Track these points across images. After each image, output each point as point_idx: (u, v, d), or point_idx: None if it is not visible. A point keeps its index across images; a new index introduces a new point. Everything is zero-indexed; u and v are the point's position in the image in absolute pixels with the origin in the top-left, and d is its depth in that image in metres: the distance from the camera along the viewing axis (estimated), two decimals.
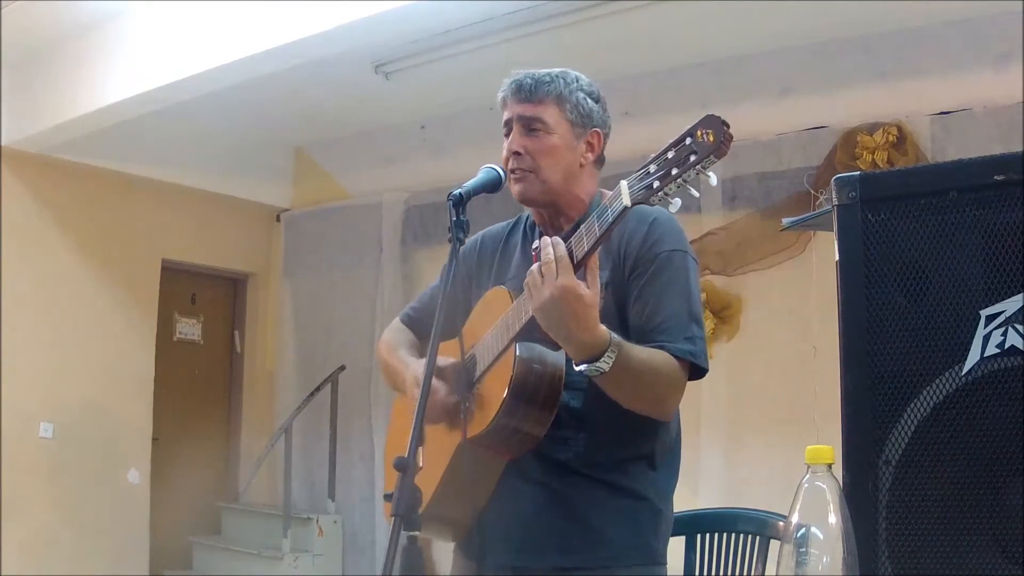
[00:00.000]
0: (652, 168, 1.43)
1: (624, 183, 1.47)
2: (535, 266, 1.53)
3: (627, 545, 1.70)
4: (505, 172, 1.77)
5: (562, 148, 1.76)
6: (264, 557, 5.73)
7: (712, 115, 1.38)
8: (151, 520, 5.91)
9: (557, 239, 1.54)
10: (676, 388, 1.64)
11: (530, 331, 1.62)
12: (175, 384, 6.30)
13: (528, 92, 1.76)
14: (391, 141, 6.04)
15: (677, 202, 1.43)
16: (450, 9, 4.05)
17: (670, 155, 1.41)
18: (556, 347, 1.64)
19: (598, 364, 1.52)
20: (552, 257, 1.51)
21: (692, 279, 1.72)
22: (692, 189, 1.42)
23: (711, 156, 1.36)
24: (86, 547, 5.55)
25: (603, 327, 1.53)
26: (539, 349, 1.63)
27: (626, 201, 1.45)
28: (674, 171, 1.40)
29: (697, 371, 1.65)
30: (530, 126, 1.75)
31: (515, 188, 1.77)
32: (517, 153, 1.76)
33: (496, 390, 1.62)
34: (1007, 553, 1.17)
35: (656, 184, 1.42)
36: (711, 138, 1.36)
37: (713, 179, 1.39)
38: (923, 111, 4.29)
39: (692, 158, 1.38)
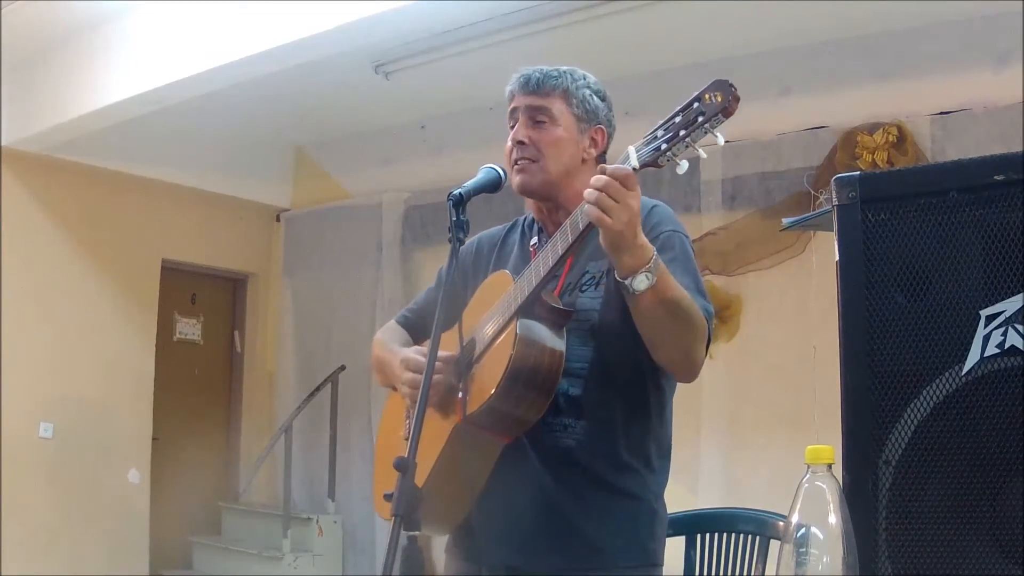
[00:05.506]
0: (660, 132, 1.44)
1: (631, 147, 1.48)
2: (589, 194, 1.47)
3: (624, 548, 1.70)
4: (506, 172, 1.77)
5: (565, 140, 1.77)
6: (264, 557, 5.73)
7: (720, 79, 1.40)
8: (151, 520, 5.91)
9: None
10: (703, 338, 1.62)
11: (530, 309, 1.63)
12: (175, 384, 6.29)
13: (536, 84, 1.78)
14: (391, 141, 6.03)
15: (684, 164, 1.44)
16: (450, 9, 4.05)
17: (678, 119, 1.42)
18: (558, 329, 1.65)
19: (648, 269, 1.48)
20: (617, 174, 1.45)
21: (694, 260, 1.74)
22: (700, 150, 1.43)
23: (719, 115, 1.39)
24: (86, 547, 5.55)
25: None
26: (540, 328, 1.63)
27: (634, 163, 1.46)
28: (682, 132, 1.41)
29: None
30: (535, 117, 1.77)
31: (516, 179, 1.77)
32: (521, 143, 1.76)
33: (495, 368, 1.61)
34: (1007, 553, 1.17)
35: (664, 146, 1.43)
36: (719, 98, 1.39)
37: (720, 139, 1.41)
38: (923, 111, 4.29)
39: (700, 119, 1.40)
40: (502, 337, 1.64)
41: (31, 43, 4.91)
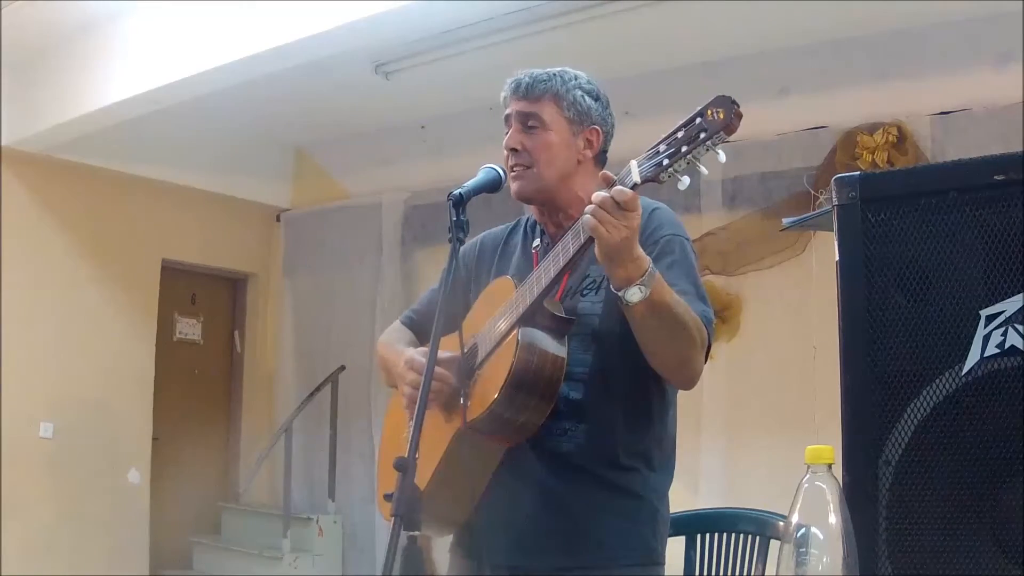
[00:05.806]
0: (662, 147, 1.45)
1: (633, 161, 1.49)
2: (590, 208, 1.48)
3: (625, 545, 1.70)
4: (506, 173, 1.78)
5: (558, 144, 1.77)
6: (264, 557, 5.73)
7: (722, 95, 1.41)
8: (151, 520, 5.91)
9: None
10: (701, 346, 1.62)
11: (533, 316, 1.64)
12: (175, 384, 6.29)
13: (525, 90, 1.78)
14: (391, 141, 6.03)
15: (686, 180, 1.45)
16: (450, 9, 4.05)
17: (680, 134, 1.43)
18: (559, 336, 1.65)
19: (642, 281, 1.49)
20: (619, 196, 1.46)
21: (696, 264, 1.74)
22: (701, 166, 1.44)
23: (721, 133, 1.40)
24: (86, 547, 5.54)
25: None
26: (542, 336, 1.64)
27: (636, 178, 1.47)
28: (684, 148, 1.42)
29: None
30: (527, 123, 1.77)
31: (512, 187, 1.78)
32: (514, 150, 1.78)
33: (497, 375, 1.62)
34: (1007, 553, 1.17)
35: (665, 161, 1.44)
36: (721, 115, 1.40)
37: (722, 156, 1.42)
38: (923, 111, 4.29)
39: (702, 135, 1.41)
40: (504, 344, 1.65)
41: (31, 43, 4.91)
